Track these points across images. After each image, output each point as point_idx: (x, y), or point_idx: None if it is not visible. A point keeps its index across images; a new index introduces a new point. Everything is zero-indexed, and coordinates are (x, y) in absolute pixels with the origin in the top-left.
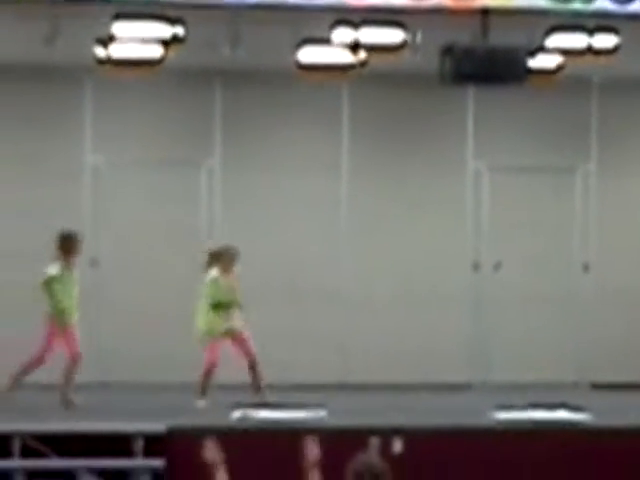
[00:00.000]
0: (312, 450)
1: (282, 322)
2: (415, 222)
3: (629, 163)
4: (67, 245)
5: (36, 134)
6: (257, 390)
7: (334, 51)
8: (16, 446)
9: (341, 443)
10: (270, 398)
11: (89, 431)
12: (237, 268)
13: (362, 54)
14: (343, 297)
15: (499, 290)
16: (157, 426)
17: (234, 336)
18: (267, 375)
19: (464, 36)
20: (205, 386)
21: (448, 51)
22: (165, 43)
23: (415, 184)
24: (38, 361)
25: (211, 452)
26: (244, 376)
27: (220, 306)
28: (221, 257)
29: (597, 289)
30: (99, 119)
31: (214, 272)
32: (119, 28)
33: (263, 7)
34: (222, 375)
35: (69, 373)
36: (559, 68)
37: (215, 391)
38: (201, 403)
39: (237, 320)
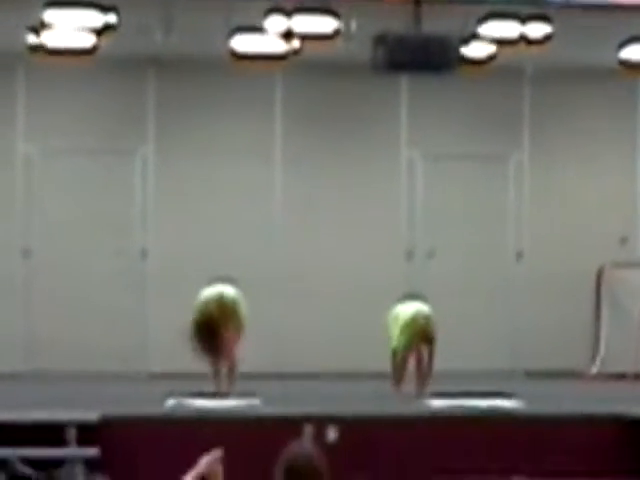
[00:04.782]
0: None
1: None
2: (348, 210)
3: (561, 151)
4: None
5: None
6: None
7: (267, 39)
8: None
9: (274, 431)
10: (204, 387)
11: (22, 420)
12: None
13: (295, 43)
14: (276, 286)
15: (432, 279)
16: (90, 415)
17: None
18: (199, 365)
19: (397, 24)
20: None
21: (381, 40)
22: (97, 31)
23: (349, 172)
24: None
25: None
26: (179, 364)
27: None
28: None
29: (530, 277)
30: (31, 107)
31: None
32: (51, 16)
33: None
34: (158, 364)
35: None
36: (492, 57)
37: (149, 380)
38: None
39: None
